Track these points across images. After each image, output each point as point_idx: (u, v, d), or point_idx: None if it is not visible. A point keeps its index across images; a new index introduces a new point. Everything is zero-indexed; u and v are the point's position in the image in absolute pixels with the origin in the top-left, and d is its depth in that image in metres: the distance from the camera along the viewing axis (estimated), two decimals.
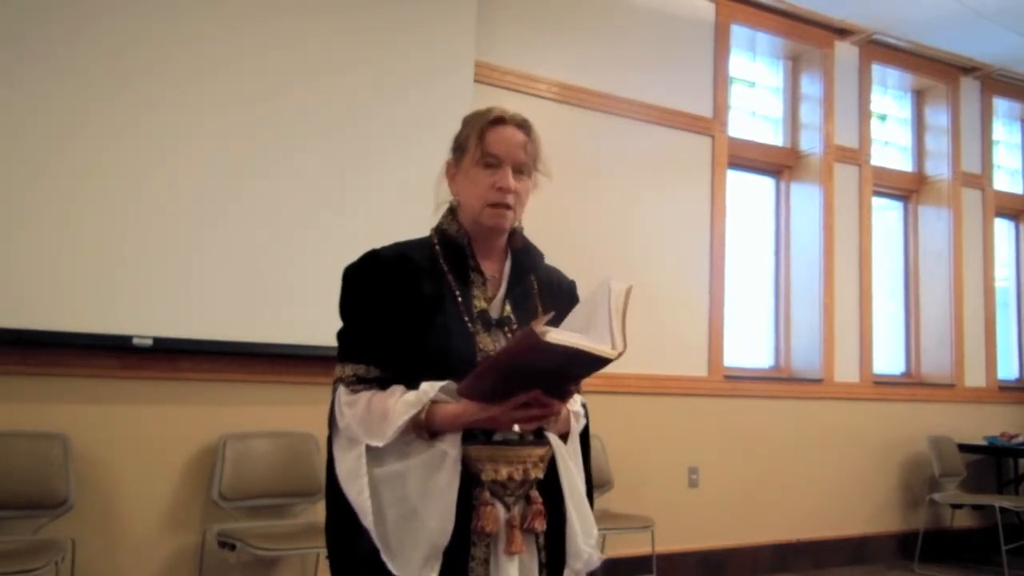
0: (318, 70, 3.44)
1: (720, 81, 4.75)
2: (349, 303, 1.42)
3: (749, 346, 5.02)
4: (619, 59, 4.40)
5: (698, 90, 4.67)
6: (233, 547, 3.03)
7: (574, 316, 1.32)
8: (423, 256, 1.44)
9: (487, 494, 1.32)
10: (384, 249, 1.44)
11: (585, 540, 1.39)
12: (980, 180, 5.80)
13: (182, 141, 3.16)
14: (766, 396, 4.76)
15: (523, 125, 1.47)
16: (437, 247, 1.46)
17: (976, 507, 5.21)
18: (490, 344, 1.39)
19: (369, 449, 1.32)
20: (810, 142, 5.18)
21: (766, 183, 5.26)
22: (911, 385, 5.48)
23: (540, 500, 1.36)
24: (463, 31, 3.77)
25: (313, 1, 3.47)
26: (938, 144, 5.75)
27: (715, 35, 4.76)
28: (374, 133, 3.49)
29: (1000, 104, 6.01)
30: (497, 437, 1.35)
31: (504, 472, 1.34)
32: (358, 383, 1.37)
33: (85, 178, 3.00)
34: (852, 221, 5.19)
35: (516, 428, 1.36)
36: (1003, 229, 6.17)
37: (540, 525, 1.35)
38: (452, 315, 1.39)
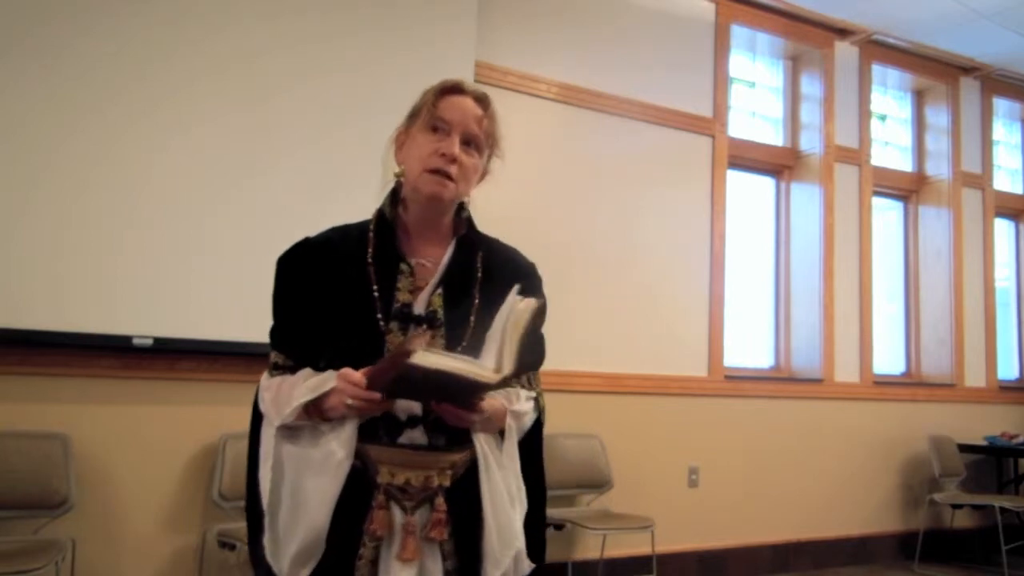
0: (318, 70, 3.44)
1: (720, 81, 4.75)
2: (274, 292, 1.40)
3: (749, 346, 5.02)
4: (619, 59, 4.40)
5: (698, 90, 4.67)
6: (233, 547, 3.03)
7: (492, 329, 1.25)
8: (352, 243, 1.38)
9: (382, 496, 1.28)
10: (316, 236, 1.41)
11: (503, 550, 1.31)
12: (980, 180, 5.80)
13: (182, 141, 3.16)
14: (766, 396, 4.76)
15: (482, 99, 1.39)
16: (371, 233, 1.39)
17: (976, 507, 5.20)
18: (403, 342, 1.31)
19: (286, 432, 1.31)
20: (810, 142, 5.18)
21: (766, 183, 5.26)
22: (911, 385, 5.48)
23: (444, 508, 1.29)
24: (463, 31, 3.77)
25: (313, 1, 3.47)
26: (938, 144, 5.75)
27: (715, 35, 4.76)
28: (374, 133, 3.48)
29: (1000, 104, 6.01)
30: (402, 440, 1.30)
31: (402, 477, 1.29)
32: (276, 369, 1.37)
33: (85, 178, 3.00)
34: (852, 221, 5.19)
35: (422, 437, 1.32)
36: (1003, 229, 6.17)
37: (439, 534, 1.29)
38: (363, 312, 1.32)
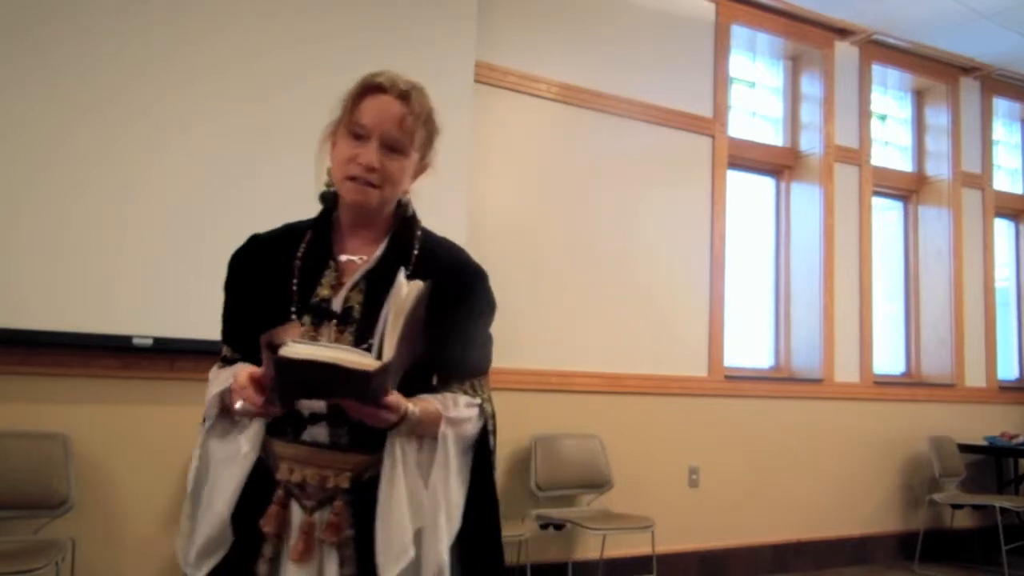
0: (318, 70, 3.43)
1: (720, 81, 4.75)
2: (224, 286, 1.44)
3: (749, 346, 5.02)
4: (619, 59, 4.40)
5: (698, 90, 4.67)
6: None
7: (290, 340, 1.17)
8: (291, 239, 1.39)
9: (281, 493, 1.27)
10: (265, 233, 1.44)
11: (391, 557, 1.20)
12: (980, 180, 5.80)
13: (182, 141, 3.16)
14: (766, 396, 4.76)
15: (405, 96, 1.30)
16: (310, 230, 1.39)
17: (976, 507, 5.20)
18: (316, 337, 1.27)
19: (215, 427, 1.31)
20: (810, 142, 5.18)
21: (766, 183, 5.26)
22: (911, 385, 5.48)
23: (340, 511, 1.25)
24: (463, 31, 3.77)
25: (313, 1, 3.47)
26: (938, 144, 5.75)
27: (715, 35, 4.76)
28: None
29: (1000, 104, 6.01)
30: (306, 437, 1.27)
31: (300, 474, 1.26)
32: (224, 363, 1.38)
33: (85, 178, 3.00)
34: (852, 221, 5.19)
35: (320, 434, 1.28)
36: (1003, 229, 6.17)
37: (331, 536, 1.24)
38: (279, 306, 1.30)
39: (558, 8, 4.25)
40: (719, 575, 4.44)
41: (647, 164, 4.45)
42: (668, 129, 4.53)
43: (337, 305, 1.30)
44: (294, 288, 1.32)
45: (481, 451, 1.32)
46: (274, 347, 1.07)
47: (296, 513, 1.27)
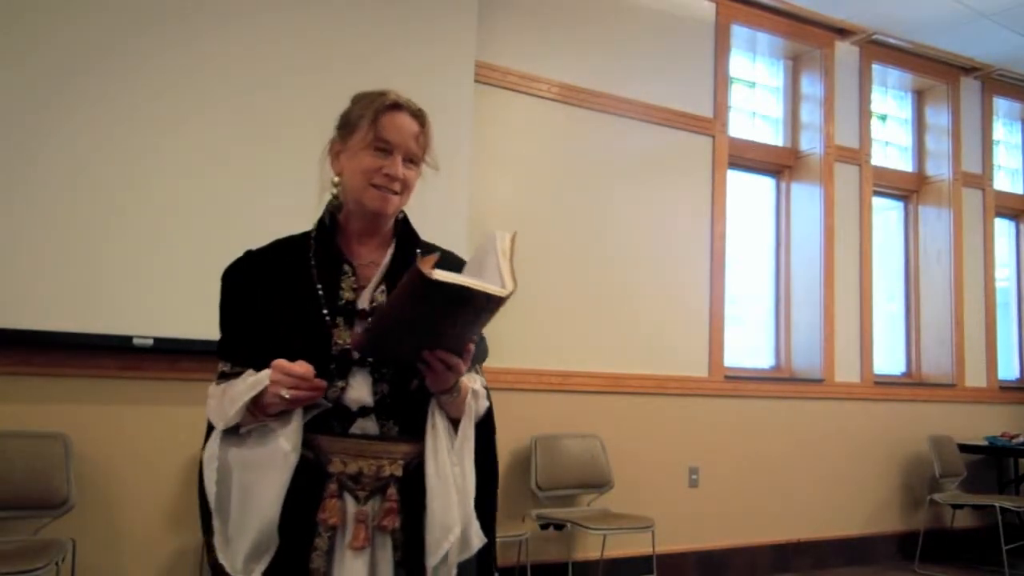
0: (318, 70, 3.44)
1: (720, 81, 4.75)
2: (220, 304, 1.44)
3: (749, 346, 5.02)
4: (619, 59, 4.40)
5: (698, 90, 4.67)
6: None
7: (465, 273, 1.29)
8: (294, 251, 1.44)
9: (334, 486, 1.32)
10: (260, 248, 1.46)
11: (444, 535, 1.32)
12: (980, 180, 5.80)
13: (182, 141, 3.16)
14: (766, 396, 4.76)
15: (418, 115, 1.43)
16: (312, 240, 1.45)
17: (977, 507, 5.20)
18: (348, 337, 1.35)
19: (232, 436, 1.33)
20: (810, 142, 5.18)
21: (766, 183, 5.26)
22: (911, 385, 5.48)
23: (395, 498, 1.33)
24: (463, 31, 3.77)
25: (313, 2, 3.47)
26: (938, 144, 5.75)
27: (715, 35, 4.76)
28: None
29: (1000, 104, 6.01)
30: (354, 430, 1.34)
31: (354, 466, 1.33)
32: (222, 378, 1.38)
33: (85, 178, 3.00)
34: (852, 221, 5.19)
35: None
36: (1003, 229, 6.17)
37: (390, 523, 1.32)
38: (309, 310, 1.36)
39: (558, 8, 4.25)
40: (719, 575, 4.44)
41: (647, 164, 4.45)
42: (668, 129, 4.53)
43: (364, 305, 1.39)
44: (320, 292, 1.37)
45: (489, 424, 1.47)
46: (420, 274, 1.12)
47: (349, 504, 1.32)
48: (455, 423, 1.37)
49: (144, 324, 3.03)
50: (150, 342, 3.04)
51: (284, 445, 1.28)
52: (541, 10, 4.19)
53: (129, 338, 3.01)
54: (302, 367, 1.26)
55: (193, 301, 3.11)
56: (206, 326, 3.09)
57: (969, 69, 5.74)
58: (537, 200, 4.10)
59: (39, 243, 2.92)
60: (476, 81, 3.83)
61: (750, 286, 5.10)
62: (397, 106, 1.41)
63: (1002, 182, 6.08)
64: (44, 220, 2.93)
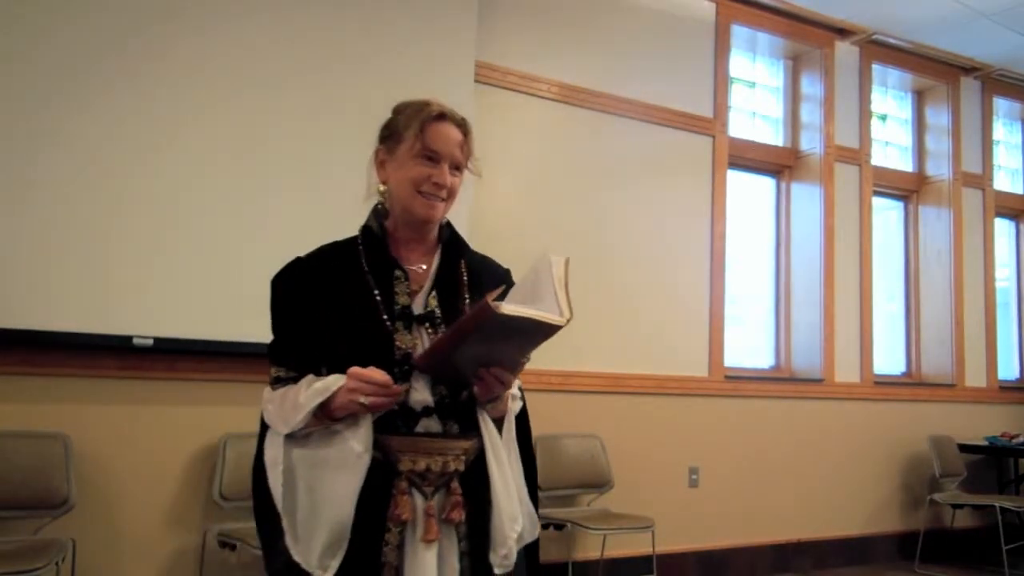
0: (318, 70, 3.44)
1: (720, 81, 4.75)
2: (272, 310, 1.48)
3: (749, 346, 5.02)
4: (619, 59, 4.40)
5: (698, 90, 4.67)
6: (233, 547, 3.03)
7: (515, 292, 1.38)
8: (344, 258, 1.48)
9: (404, 483, 1.37)
10: (308, 255, 1.49)
11: (511, 526, 1.43)
12: (980, 180, 5.80)
13: (183, 141, 3.16)
14: (766, 396, 4.76)
15: (462, 124, 1.50)
16: (360, 247, 1.49)
17: (977, 507, 5.20)
18: (409, 341, 1.41)
19: (293, 438, 1.38)
20: (810, 142, 5.18)
21: (766, 183, 5.26)
22: (911, 385, 5.48)
23: (459, 491, 1.41)
24: (463, 31, 3.77)
25: (313, 2, 3.47)
26: (938, 144, 5.75)
27: (715, 35, 4.76)
28: (374, 133, 3.48)
29: (1000, 104, 6.01)
30: (419, 429, 1.40)
31: (422, 463, 1.39)
32: (278, 383, 1.43)
33: (85, 178, 3.00)
34: (852, 221, 5.18)
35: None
36: (1003, 229, 6.17)
37: (458, 516, 1.40)
38: (369, 315, 1.41)
39: (558, 8, 4.24)
40: (719, 575, 4.44)
41: (647, 164, 4.45)
42: (668, 129, 4.53)
43: (419, 310, 1.45)
44: (378, 298, 1.43)
45: (525, 422, 1.58)
46: (487, 308, 1.21)
47: (417, 499, 1.39)
48: (497, 423, 1.47)
49: (144, 324, 3.03)
50: (150, 342, 3.04)
51: (356, 447, 1.34)
52: (541, 10, 4.19)
53: (129, 338, 3.01)
54: (381, 375, 1.31)
55: (193, 301, 3.12)
56: (206, 326, 3.13)
57: (969, 69, 5.74)
58: (537, 200, 4.10)
59: (39, 243, 2.92)
60: (476, 81, 3.83)
61: (750, 286, 5.10)
62: (442, 116, 1.46)
63: (1002, 182, 6.08)
64: (44, 220, 2.93)
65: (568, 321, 1.29)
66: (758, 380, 4.84)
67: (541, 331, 1.30)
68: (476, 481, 1.42)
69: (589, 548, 3.98)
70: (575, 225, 4.17)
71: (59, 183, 2.96)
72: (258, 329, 3.32)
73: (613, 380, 4.20)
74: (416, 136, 1.44)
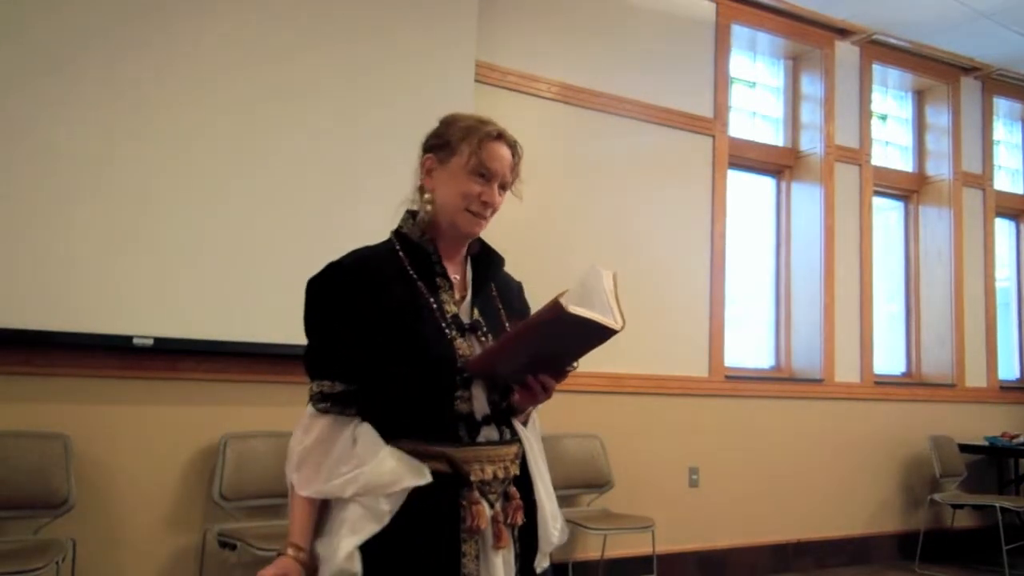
0: (318, 70, 3.44)
1: (720, 81, 4.75)
2: (314, 317, 1.41)
3: (749, 346, 5.02)
4: (619, 59, 4.40)
5: (698, 90, 4.67)
6: (233, 547, 3.03)
7: (566, 300, 1.36)
8: (388, 263, 1.44)
9: (475, 493, 1.37)
10: (346, 258, 1.43)
11: (553, 524, 1.48)
12: (981, 180, 5.80)
13: (182, 141, 3.16)
14: (766, 396, 4.76)
15: (514, 146, 1.51)
16: (400, 252, 1.46)
17: (977, 507, 5.20)
18: (467, 349, 1.40)
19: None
20: (810, 142, 5.18)
21: (766, 183, 5.25)
22: (912, 385, 5.47)
23: (518, 495, 1.43)
24: (463, 31, 3.77)
25: (313, 2, 3.47)
26: (939, 144, 5.75)
27: (715, 35, 4.76)
28: (374, 133, 3.49)
29: (1000, 104, 6.01)
30: (480, 439, 1.40)
31: (489, 471, 1.40)
32: (323, 400, 1.37)
33: (85, 178, 3.00)
34: (853, 221, 5.18)
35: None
36: (1004, 229, 6.17)
37: (520, 519, 1.42)
38: (429, 321, 1.40)
39: (558, 8, 4.24)
40: (719, 575, 4.44)
41: (647, 164, 4.45)
42: (668, 129, 4.53)
43: (466, 319, 1.45)
44: (434, 306, 1.42)
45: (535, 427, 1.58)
46: (558, 307, 1.23)
47: (486, 507, 1.39)
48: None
49: (144, 324, 3.03)
50: (150, 342, 3.03)
51: (384, 506, 1.32)
52: (541, 10, 4.19)
53: (129, 338, 3.01)
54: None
55: (193, 301, 3.12)
56: (206, 326, 3.12)
57: (969, 69, 5.74)
58: (537, 200, 4.09)
59: (39, 244, 2.92)
60: (476, 81, 3.83)
61: (750, 286, 5.10)
62: (500, 136, 1.48)
63: (1002, 182, 6.08)
64: (44, 220, 2.93)
65: (622, 328, 1.32)
66: (758, 380, 4.84)
67: (596, 336, 1.32)
68: (523, 484, 1.46)
69: (589, 548, 3.98)
70: (575, 225, 4.17)
71: (59, 184, 2.96)
72: (259, 329, 3.33)
73: (613, 380, 4.19)
74: (472, 152, 1.44)
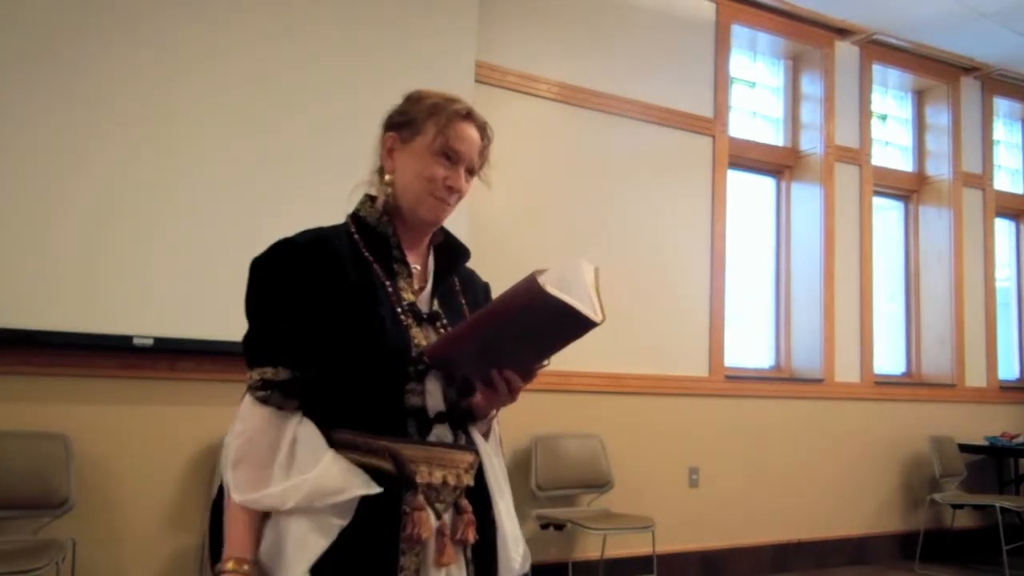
0: (318, 70, 3.44)
1: (720, 81, 4.75)
2: (256, 299, 1.26)
3: (749, 346, 5.02)
4: (619, 59, 4.40)
5: (698, 90, 4.67)
6: None
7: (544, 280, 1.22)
8: (342, 243, 1.31)
9: (420, 499, 1.22)
10: (298, 236, 1.30)
11: (515, 549, 1.32)
12: (981, 180, 5.80)
13: (182, 141, 3.16)
14: (766, 396, 4.76)
15: (484, 128, 1.38)
16: (356, 235, 1.33)
17: (977, 507, 5.20)
18: (423, 339, 1.27)
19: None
20: (810, 142, 5.18)
21: (766, 183, 5.25)
22: (912, 385, 5.47)
23: (470, 509, 1.27)
24: (463, 31, 3.77)
25: (313, 2, 3.47)
26: (938, 144, 5.75)
27: (715, 35, 4.76)
28: (374, 132, 3.48)
29: (1000, 104, 6.01)
30: (431, 438, 1.26)
31: (438, 475, 1.24)
32: (263, 388, 1.21)
33: (85, 179, 3.00)
34: (852, 221, 5.18)
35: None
36: (1003, 229, 6.17)
37: (471, 535, 1.26)
38: (384, 304, 1.26)
39: (558, 8, 4.24)
40: (719, 575, 4.44)
41: (647, 164, 4.45)
42: (668, 129, 4.53)
43: (425, 308, 1.33)
44: (390, 291, 1.28)
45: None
46: (535, 283, 1.08)
47: (431, 518, 1.24)
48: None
49: (144, 324, 3.03)
50: (150, 342, 3.03)
51: (336, 519, 1.17)
52: (541, 10, 4.19)
53: (129, 338, 3.01)
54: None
55: (193, 301, 3.12)
56: (206, 326, 3.12)
57: (969, 69, 5.74)
58: (537, 200, 4.10)
59: (39, 243, 2.92)
60: (476, 81, 3.83)
61: (750, 286, 5.10)
62: (470, 116, 1.35)
63: (1002, 182, 6.08)
64: (44, 220, 2.93)
65: (602, 322, 1.18)
66: (758, 380, 4.84)
67: (572, 329, 1.18)
68: (478, 498, 1.30)
69: (589, 548, 3.98)
70: (575, 225, 4.17)
71: (58, 183, 2.96)
72: None
73: (613, 380, 4.19)
74: (438, 131, 1.31)
